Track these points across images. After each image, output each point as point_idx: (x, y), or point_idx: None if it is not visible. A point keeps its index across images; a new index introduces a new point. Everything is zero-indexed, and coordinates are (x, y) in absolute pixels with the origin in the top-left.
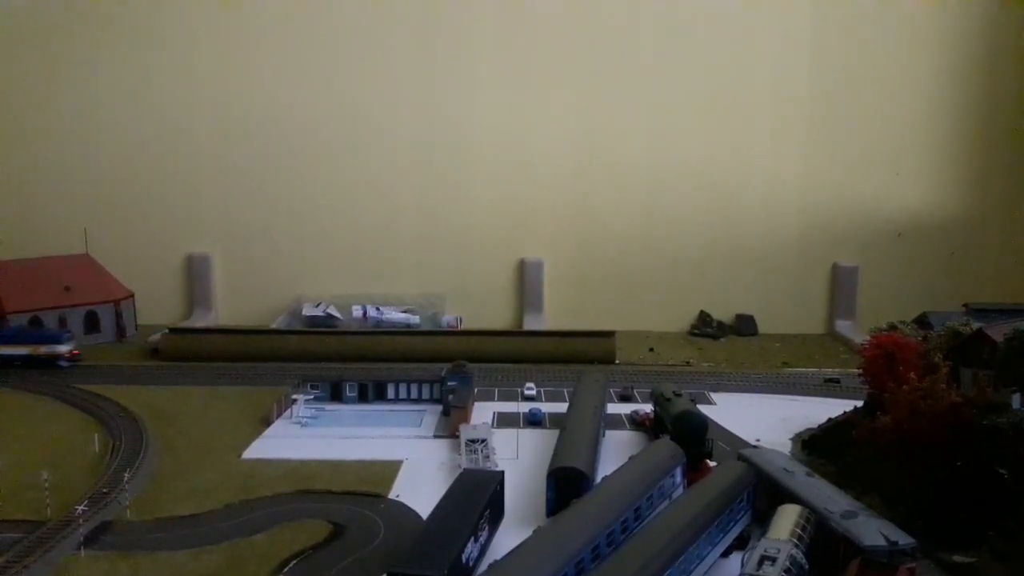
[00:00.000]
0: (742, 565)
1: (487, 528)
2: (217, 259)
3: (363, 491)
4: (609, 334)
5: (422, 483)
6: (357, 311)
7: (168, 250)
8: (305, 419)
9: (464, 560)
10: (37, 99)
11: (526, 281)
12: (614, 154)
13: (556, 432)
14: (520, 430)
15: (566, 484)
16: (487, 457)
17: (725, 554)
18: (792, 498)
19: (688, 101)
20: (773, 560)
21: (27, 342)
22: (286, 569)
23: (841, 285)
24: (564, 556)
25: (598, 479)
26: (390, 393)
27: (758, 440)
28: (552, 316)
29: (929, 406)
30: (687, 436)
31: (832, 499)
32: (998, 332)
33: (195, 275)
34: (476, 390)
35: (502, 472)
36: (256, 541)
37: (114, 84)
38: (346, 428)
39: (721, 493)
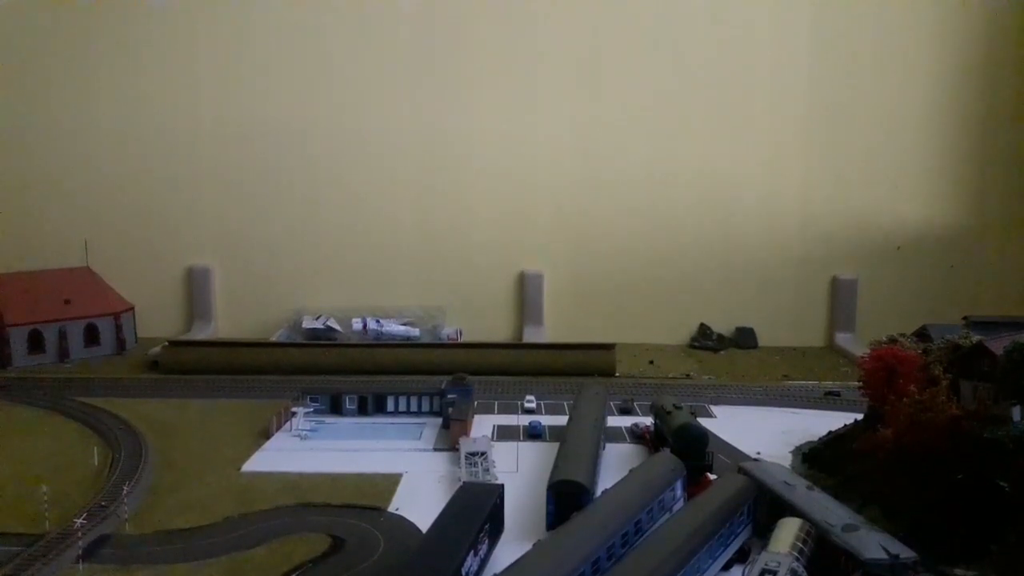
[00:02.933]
0: None
1: (487, 541)
2: (217, 272)
3: (362, 504)
4: (609, 347)
5: (422, 496)
6: (357, 324)
7: (168, 263)
8: (305, 432)
9: (464, 574)
10: (37, 112)
11: (526, 294)
12: (613, 167)
13: (556, 445)
14: (520, 443)
15: (566, 497)
16: (487, 470)
17: (726, 567)
18: (793, 511)
19: (687, 115)
20: (774, 573)
21: None
22: None
23: (841, 298)
24: (565, 570)
25: (598, 492)
26: (390, 406)
27: (758, 453)
28: (552, 328)
29: (929, 419)
30: (687, 449)
31: (833, 512)
32: (998, 345)
33: (195, 288)
34: (476, 403)
35: (502, 485)
36: (255, 554)
37: (114, 96)
38: (346, 441)
39: (722, 506)
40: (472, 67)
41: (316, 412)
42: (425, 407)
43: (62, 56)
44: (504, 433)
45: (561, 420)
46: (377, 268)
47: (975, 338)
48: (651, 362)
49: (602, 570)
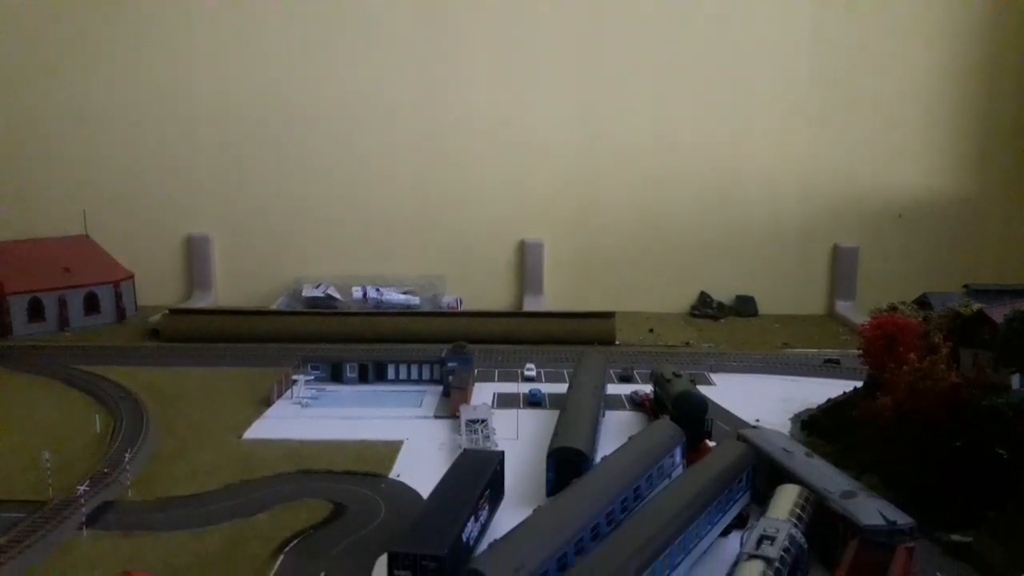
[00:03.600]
0: (741, 544)
1: (487, 508)
2: (217, 240)
3: (364, 471)
4: (609, 315)
5: (422, 463)
6: (357, 292)
7: (168, 231)
8: (305, 400)
9: (464, 539)
10: (35, 81)
11: (526, 262)
12: (615, 135)
13: (556, 412)
14: (520, 410)
15: (566, 464)
16: (487, 437)
17: (724, 533)
18: (791, 478)
19: (689, 82)
20: (772, 539)
21: None
22: (287, 548)
23: (842, 266)
24: (564, 535)
25: (598, 459)
26: (390, 374)
27: (758, 420)
28: (552, 297)
29: (929, 387)
30: (687, 416)
31: (831, 479)
32: (998, 313)
33: (195, 256)
34: (476, 371)
35: (502, 452)
36: (257, 521)
37: (112, 65)
38: (346, 408)
39: (720, 473)
40: (473, 36)
41: (317, 380)
42: (425, 375)
43: (61, 29)
44: (504, 401)
45: (561, 388)
46: (377, 237)
47: (975, 306)
48: (651, 330)
49: (602, 536)
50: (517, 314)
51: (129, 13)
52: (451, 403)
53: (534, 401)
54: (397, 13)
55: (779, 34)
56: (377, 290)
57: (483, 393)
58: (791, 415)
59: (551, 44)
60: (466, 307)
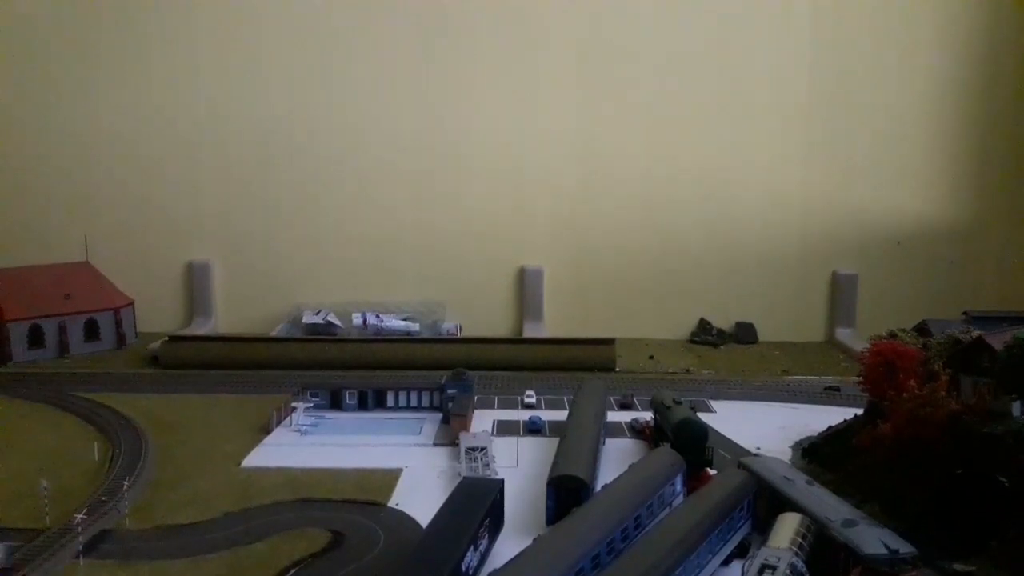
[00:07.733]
0: (742, 573)
1: (487, 536)
2: (217, 267)
3: (363, 499)
4: (609, 342)
5: (422, 491)
6: (357, 319)
7: (168, 258)
8: (304, 427)
9: (464, 569)
10: (36, 106)
11: (526, 289)
12: (613, 162)
13: (556, 440)
14: (520, 438)
15: (566, 492)
16: (487, 465)
17: (725, 562)
18: (792, 506)
19: (687, 109)
20: (773, 568)
21: None
22: None
23: (841, 293)
24: (564, 564)
25: (598, 487)
26: (390, 401)
27: (758, 448)
28: (552, 324)
29: (929, 414)
30: (687, 444)
31: (832, 507)
32: (998, 340)
33: (195, 283)
34: (476, 398)
35: (502, 480)
36: (255, 549)
37: (114, 90)
38: (346, 436)
39: (721, 501)
40: (472, 62)
41: (316, 407)
42: (425, 402)
43: (63, 52)
44: (504, 428)
45: (561, 415)
46: (377, 263)
47: (975, 333)
48: (651, 357)
49: (602, 565)
50: (517, 341)
51: (130, 41)
52: (451, 430)
53: (534, 428)
54: (399, 43)
55: (776, 63)
56: (377, 317)
57: (483, 420)
58: (791, 443)
59: (550, 74)
60: (466, 334)
